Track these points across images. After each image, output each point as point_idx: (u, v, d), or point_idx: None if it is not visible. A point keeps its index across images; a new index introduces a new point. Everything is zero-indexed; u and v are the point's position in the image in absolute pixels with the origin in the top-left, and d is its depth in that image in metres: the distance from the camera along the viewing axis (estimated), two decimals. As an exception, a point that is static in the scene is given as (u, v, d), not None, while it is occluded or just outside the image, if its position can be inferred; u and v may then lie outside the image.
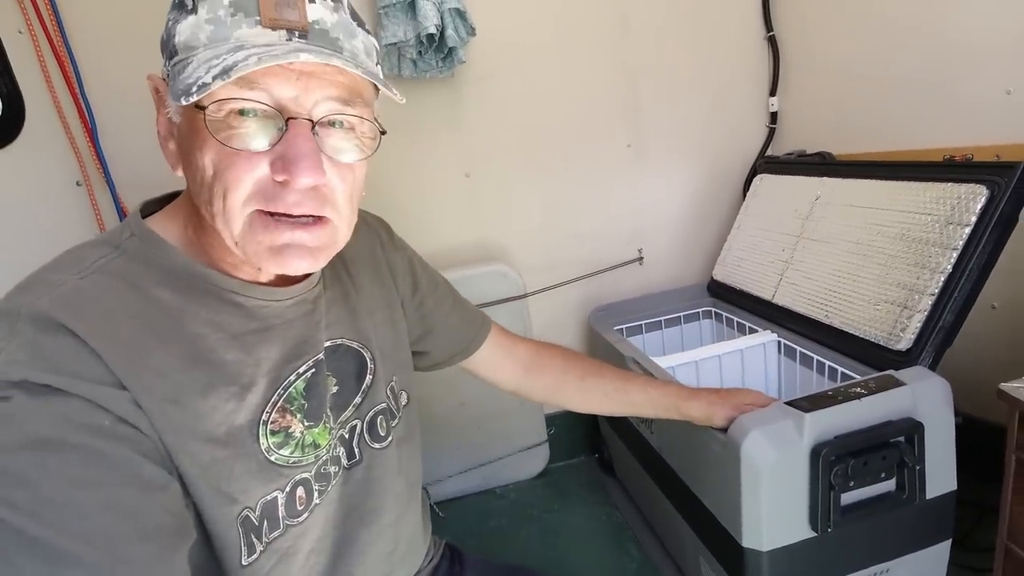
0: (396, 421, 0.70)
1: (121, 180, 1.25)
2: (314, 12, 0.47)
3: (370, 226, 0.77)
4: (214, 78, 0.42)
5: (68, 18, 1.18)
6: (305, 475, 0.57)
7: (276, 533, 0.55)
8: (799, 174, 1.33)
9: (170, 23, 0.48)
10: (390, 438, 0.68)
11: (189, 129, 0.48)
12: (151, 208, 0.58)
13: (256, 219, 0.48)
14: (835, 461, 0.78)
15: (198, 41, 0.46)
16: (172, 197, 0.59)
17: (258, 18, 0.46)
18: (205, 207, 0.49)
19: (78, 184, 1.24)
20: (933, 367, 0.90)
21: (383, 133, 0.53)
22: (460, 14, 1.26)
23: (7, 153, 1.19)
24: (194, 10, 0.46)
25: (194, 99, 0.43)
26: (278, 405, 0.55)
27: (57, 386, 0.41)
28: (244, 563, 0.52)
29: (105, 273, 0.48)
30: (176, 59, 0.47)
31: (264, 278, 0.56)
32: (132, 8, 1.19)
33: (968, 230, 0.90)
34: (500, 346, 0.85)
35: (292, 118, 0.46)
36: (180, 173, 0.52)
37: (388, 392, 0.70)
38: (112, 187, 1.25)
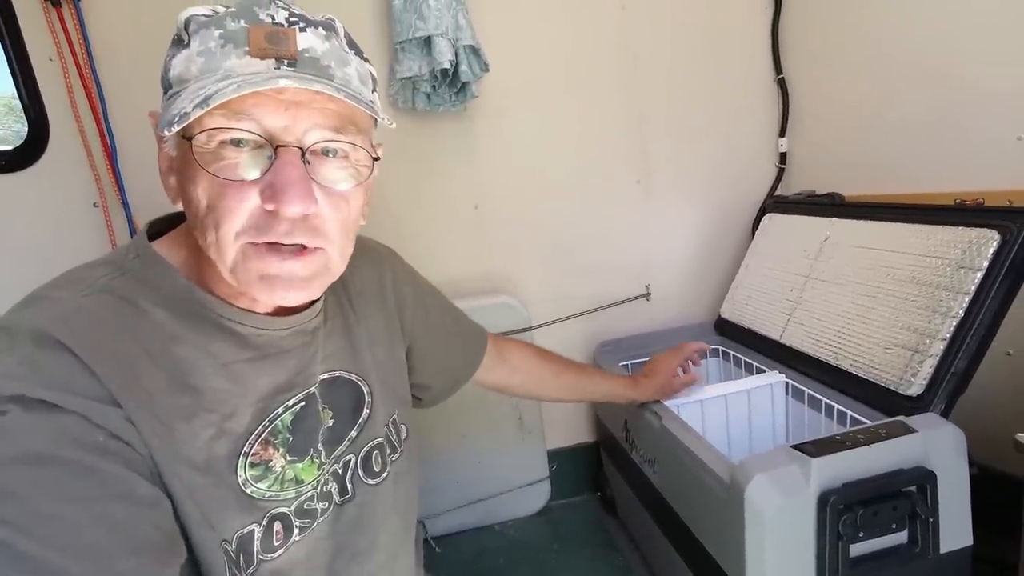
0: (397, 455, 0.68)
1: (137, 203, 1.28)
2: (304, 41, 0.48)
3: (381, 257, 0.76)
4: (194, 107, 0.43)
5: (97, 45, 1.22)
6: (283, 510, 0.55)
7: (251, 569, 0.53)
8: (808, 214, 1.32)
9: (167, 59, 0.49)
10: (386, 473, 0.66)
11: (183, 162, 0.49)
12: (158, 227, 0.58)
13: (248, 249, 0.48)
14: (843, 510, 0.75)
15: (190, 74, 0.47)
16: (179, 217, 0.59)
17: (247, 48, 0.46)
18: (201, 238, 0.49)
19: (95, 205, 1.27)
20: (946, 414, 0.88)
21: (376, 159, 0.53)
22: (475, 51, 1.29)
23: (29, 174, 1.22)
24: (187, 44, 0.47)
25: (176, 128, 0.43)
26: (262, 437, 0.54)
27: (52, 401, 0.41)
28: None
29: (106, 292, 0.49)
30: (170, 92, 0.48)
31: (261, 308, 0.55)
32: (159, 37, 1.22)
33: (980, 275, 0.89)
34: (491, 357, 0.91)
35: (281, 146, 0.46)
36: (180, 207, 0.52)
37: (389, 426, 0.68)
38: (128, 209, 1.27)
